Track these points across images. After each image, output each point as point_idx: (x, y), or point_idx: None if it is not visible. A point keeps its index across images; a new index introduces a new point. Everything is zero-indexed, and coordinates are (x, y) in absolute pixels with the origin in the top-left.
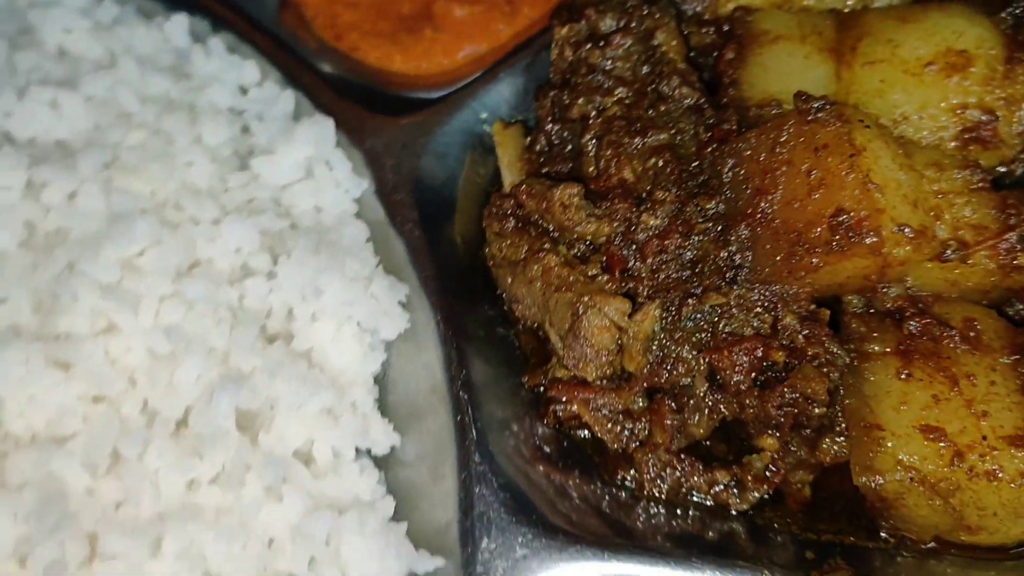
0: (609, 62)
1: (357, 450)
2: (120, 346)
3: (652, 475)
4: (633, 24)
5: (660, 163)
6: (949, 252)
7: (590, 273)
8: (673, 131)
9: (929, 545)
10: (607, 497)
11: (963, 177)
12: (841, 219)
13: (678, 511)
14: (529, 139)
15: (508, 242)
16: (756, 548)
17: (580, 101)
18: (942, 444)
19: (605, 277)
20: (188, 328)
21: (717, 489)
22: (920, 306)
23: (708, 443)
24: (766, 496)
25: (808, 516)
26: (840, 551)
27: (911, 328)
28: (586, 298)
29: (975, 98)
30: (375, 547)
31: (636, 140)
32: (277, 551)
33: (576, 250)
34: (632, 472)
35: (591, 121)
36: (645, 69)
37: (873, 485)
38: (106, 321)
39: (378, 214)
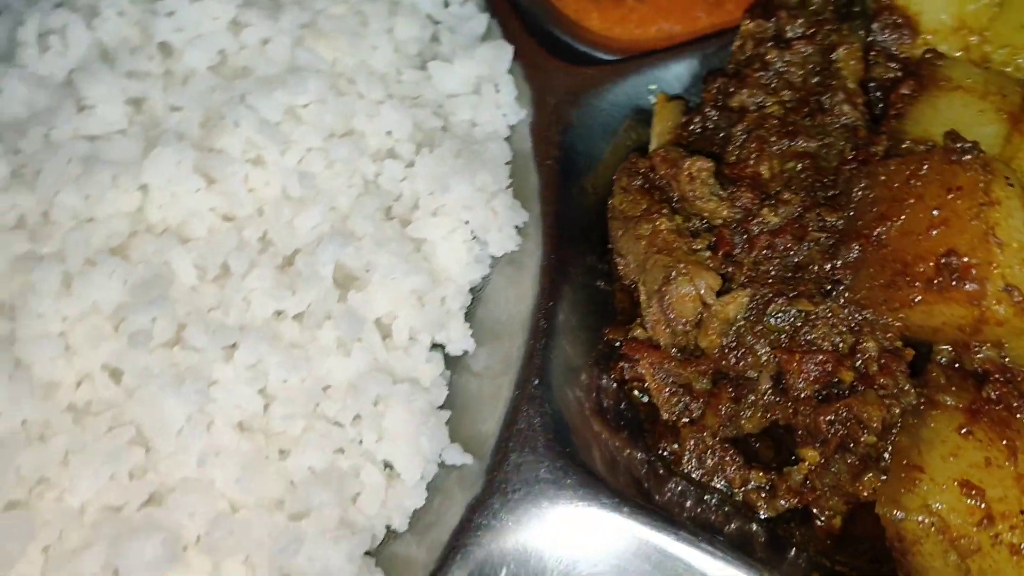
0: (783, 64)
1: (433, 344)
2: (260, 178)
3: (692, 454)
4: (819, 36)
5: (798, 168)
6: None
7: (695, 247)
8: (821, 143)
9: None
10: (643, 463)
11: None
12: (951, 260)
13: (705, 496)
14: (686, 118)
15: (631, 198)
16: (768, 554)
17: (744, 93)
18: (977, 503)
19: (707, 254)
20: (322, 182)
21: (749, 487)
22: (1008, 375)
23: (757, 444)
24: (795, 508)
25: (830, 545)
26: None
27: (990, 392)
28: (682, 265)
29: None
30: (415, 423)
31: (784, 141)
32: (330, 397)
33: (690, 224)
34: (675, 446)
35: (748, 114)
36: (815, 79)
37: (893, 518)
38: (256, 153)
39: (524, 146)
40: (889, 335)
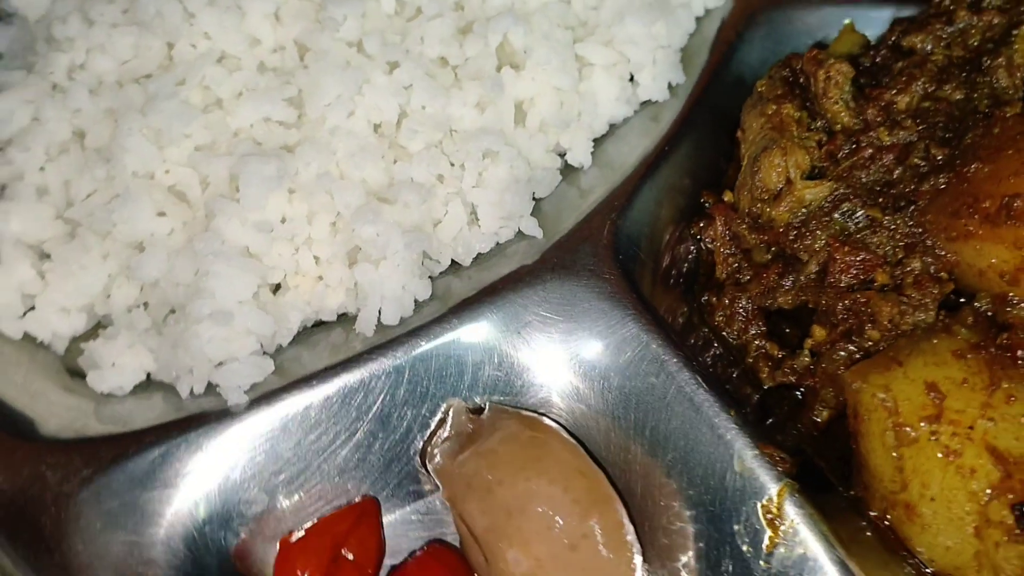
0: (967, 25)
1: (556, 149)
2: None
3: (726, 310)
4: (1013, 14)
5: (933, 109)
6: None
7: (804, 135)
8: (965, 96)
9: (873, 514)
10: (683, 304)
11: None
12: (1012, 201)
13: (720, 351)
14: (864, 48)
15: (773, 84)
16: (751, 416)
17: (919, 38)
18: (934, 403)
19: (813, 144)
20: None
21: (758, 353)
22: None
23: (787, 329)
24: (791, 385)
25: (808, 437)
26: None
27: (1003, 339)
28: (783, 141)
29: None
30: (509, 184)
31: (930, 85)
32: (451, 136)
33: (813, 122)
34: (714, 299)
35: (914, 56)
36: (988, 46)
37: (854, 388)
38: None
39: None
40: (939, 263)
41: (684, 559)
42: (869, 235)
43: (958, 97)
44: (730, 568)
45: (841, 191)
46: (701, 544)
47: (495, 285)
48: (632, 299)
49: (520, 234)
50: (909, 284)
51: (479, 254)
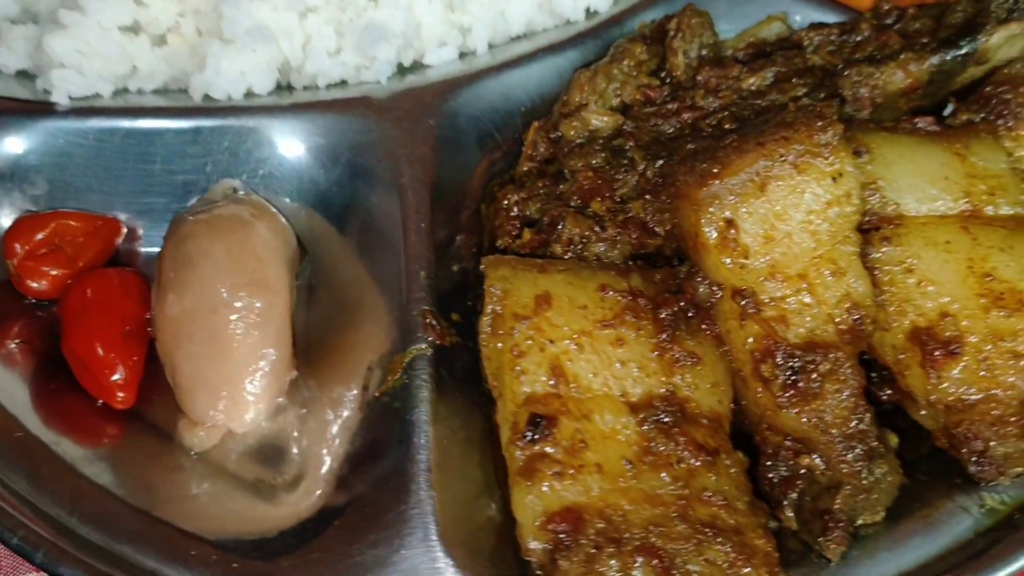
0: (863, 39)
1: None
2: None
3: (499, 201)
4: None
5: (755, 95)
6: None
7: (631, 73)
8: (792, 99)
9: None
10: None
11: None
12: (724, 220)
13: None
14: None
15: (649, 26)
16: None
17: (813, 36)
18: (534, 304)
19: (636, 83)
20: None
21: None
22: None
23: None
24: None
25: None
26: None
27: (665, 297)
28: (603, 67)
29: None
30: None
31: (783, 79)
32: None
33: (658, 71)
34: (496, 189)
35: (795, 50)
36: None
37: (481, 268)
38: None
39: None
40: (657, 217)
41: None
42: (620, 171)
43: (783, 98)
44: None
45: (628, 128)
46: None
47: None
48: None
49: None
50: (611, 220)
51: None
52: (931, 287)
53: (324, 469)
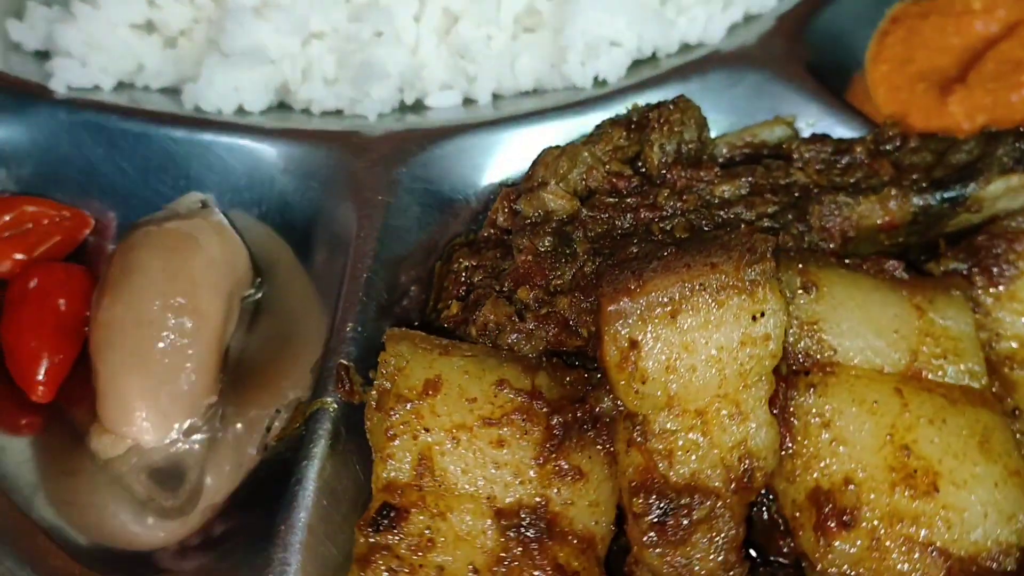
0: (852, 161)
1: None
2: None
3: (452, 262)
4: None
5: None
6: None
7: (605, 158)
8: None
9: None
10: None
11: None
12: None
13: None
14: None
15: (640, 110)
16: None
17: (808, 152)
18: (421, 388)
19: (605, 169)
20: None
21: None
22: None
23: None
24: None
25: None
26: None
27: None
28: (574, 148)
29: None
30: None
31: (758, 194)
32: None
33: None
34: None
35: (784, 159)
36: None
37: (384, 338)
38: None
39: None
40: (581, 319)
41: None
42: (561, 261)
43: (749, 214)
44: None
45: (583, 216)
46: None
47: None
48: None
49: None
50: (533, 313)
51: None
52: (843, 448)
53: (209, 504)
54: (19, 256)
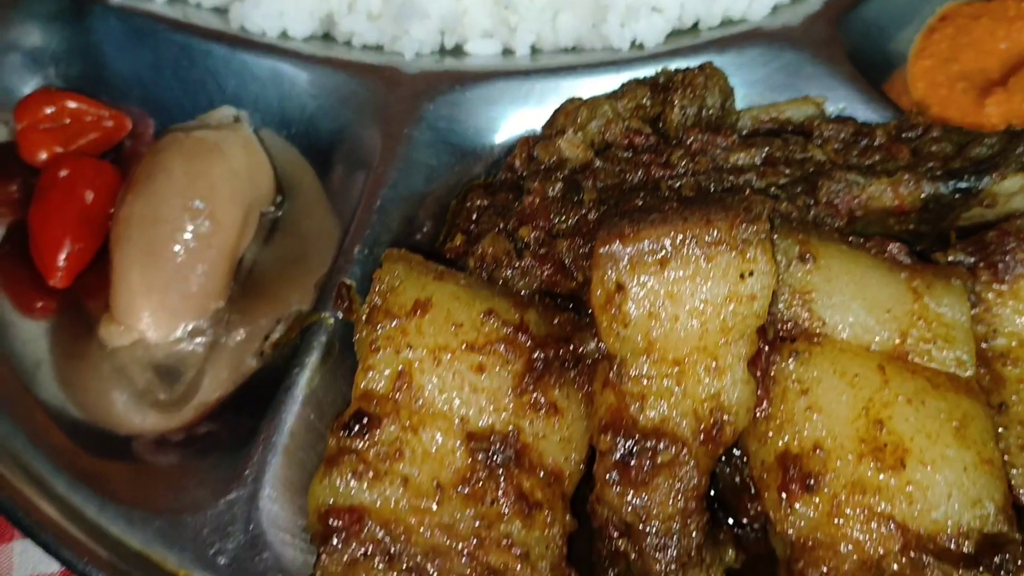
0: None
1: None
2: None
3: (469, 200)
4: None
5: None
6: None
7: (627, 114)
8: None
9: None
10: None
11: None
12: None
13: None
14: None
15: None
16: None
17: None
18: (412, 307)
19: (623, 123)
20: None
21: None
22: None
23: None
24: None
25: None
26: None
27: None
28: (597, 100)
29: None
30: None
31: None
32: None
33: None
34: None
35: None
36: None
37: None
38: None
39: None
40: (579, 262)
41: None
42: (567, 206)
43: (760, 182)
44: None
45: (597, 166)
46: None
47: None
48: None
49: None
50: (532, 252)
51: None
52: (817, 415)
53: (201, 402)
54: (57, 149)
